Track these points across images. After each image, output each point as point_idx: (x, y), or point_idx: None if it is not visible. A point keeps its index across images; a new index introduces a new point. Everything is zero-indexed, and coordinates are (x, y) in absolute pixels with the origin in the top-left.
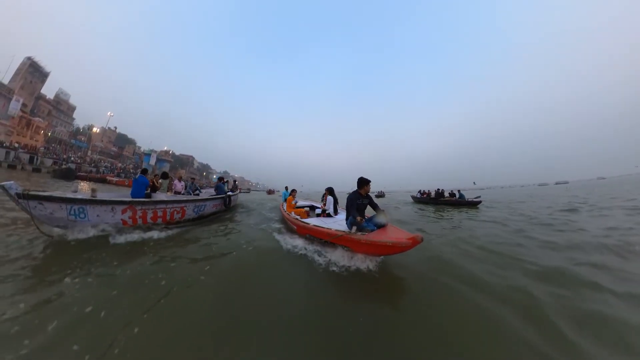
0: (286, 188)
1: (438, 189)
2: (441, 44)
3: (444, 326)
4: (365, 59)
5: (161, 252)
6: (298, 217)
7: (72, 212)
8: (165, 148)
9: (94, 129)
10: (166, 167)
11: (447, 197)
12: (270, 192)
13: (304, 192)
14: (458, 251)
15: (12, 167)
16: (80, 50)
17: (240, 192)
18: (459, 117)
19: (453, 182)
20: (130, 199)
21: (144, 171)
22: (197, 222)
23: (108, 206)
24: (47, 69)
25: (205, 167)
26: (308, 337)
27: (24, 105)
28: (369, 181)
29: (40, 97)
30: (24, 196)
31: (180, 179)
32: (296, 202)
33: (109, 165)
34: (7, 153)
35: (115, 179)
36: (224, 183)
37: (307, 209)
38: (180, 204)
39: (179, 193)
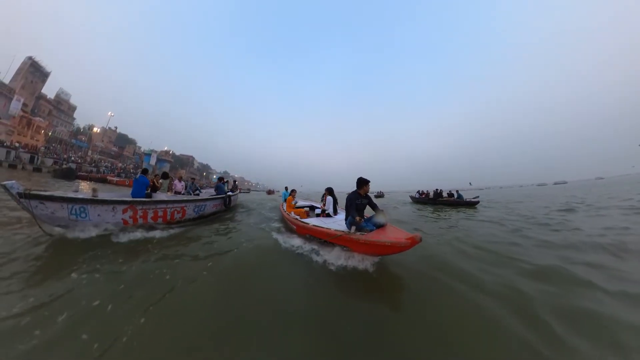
0: (286, 188)
1: (436, 189)
2: (441, 44)
3: (441, 324)
4: (365, 59)
5: (164, 250)
6: (298, 217)
7: (74, 211)
8: (166, 148)
9: (95, 129)
10: (166, 167)
11: (445, 197)
12: (270, 192)
13: (303, 192)
14: (454, 250)
15: (12, 166)
16: (81, 50)
17: (240, 192)
18: (459, 117)
19: (453, 182)
20: (131, 199)
21: (145, 171)
22: (197, 222)
23: (109, 206)
24: (48, 68)
25: (205, 167)
26: (308, 337)
27: (24, 105)
28: (368, 181)
29: (41, 97)
30: (25, 195)
31: (180, 179)
32: (296, 202)
33: (110, 165)
34: (8, 152)
35: (115, 179)
36: (224, 183)
37: (307, 209)
38: (180, 203)
39: (179, 193)
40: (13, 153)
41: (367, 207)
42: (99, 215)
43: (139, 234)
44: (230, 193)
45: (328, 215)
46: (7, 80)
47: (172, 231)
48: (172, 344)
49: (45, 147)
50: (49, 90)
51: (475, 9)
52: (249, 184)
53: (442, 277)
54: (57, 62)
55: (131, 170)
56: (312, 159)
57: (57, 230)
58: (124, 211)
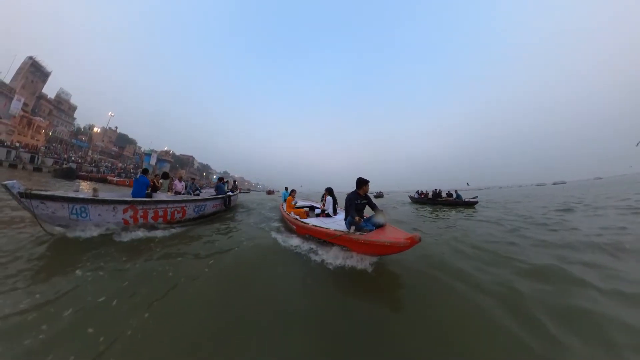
0: (286, 188)
1: (435, 190)
2: (441, 44)
3: (440, 323)
4: (365, 59)
5: (167, 248)
6: (297, 217)
7: (74, 211)
8: (166, 148)
9: (95, 129)
10: (166, 167)
11: (444, 197)
12: (269, 192)
13: (303, 192)
14: (452, 250)
15: (13, 166)
16: (81, 50)
17: (240, 192)
18: (459, 116)
19: (453, 182)
20: (131, 199)
21: (145, 171)
22: (198, 222)
23: (110, 206)
24: (49, 68)
25: (205, 168)
26: (308, 337)
27: (25, 104)
28: (368, 181)
29: (42, 97)
30: (26, 195)
31: (180, 179)
32: (296, 203)
33: (110, 165)
34: (9, 152)
35: (116, 178)
36: (224, 183)
37: (307, 209)
38: (180, 203)
39: (180, 193)
40: (13, 153)
41: (367, 207)
42: (99, 215)
43: (140, 233)
44: (230, 193)
45: (328, 216)
46: (7, 80)
47: (173, 230)
48: (176, 337)
49: (46, 147)
50: (50, 90)
51: (475, 9)
52: (249, 184)
53: (440, 277)
54: (57, 62)
55: (131, 170)
56: (312, 159)
57: (58, 229)
58: (125, 211)
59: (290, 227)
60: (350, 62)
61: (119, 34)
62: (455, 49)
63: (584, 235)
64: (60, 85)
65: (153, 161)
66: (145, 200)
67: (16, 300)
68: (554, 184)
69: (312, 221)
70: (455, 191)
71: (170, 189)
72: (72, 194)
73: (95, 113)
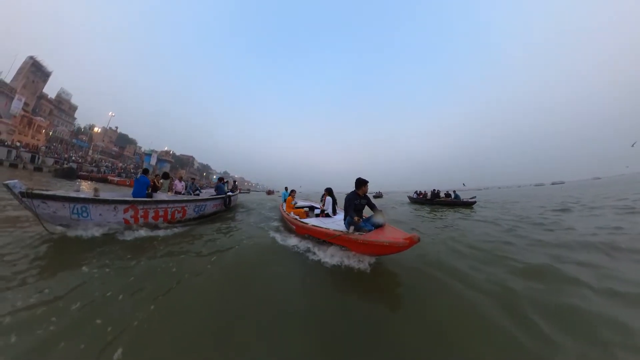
0: (286, 189)
1: (434, 190)
2: (441, 44)
3: (437, 322)
4: (365, 59)
5: (169, 247)
6: (297, 217)
7: (75, 211)
8: (166, 148)
9: (95, 129)
10: (167, 167)
11: (442, 197)
12: (269, 192)
13: (303, 193)
14: (449, 249)
15: (13, 166)
16: (81, 50)
17: (240, 192)
18: (459, 117)
19: (452, 182)
20: (132, 199)
21: (145, 171)
22: (198, 221)
23: (110, 205)
24: (49, 68)
25: (205, 168)
26: (308, 336)
27: (25, 104)
28: (367, 182)
29: (42, 97)
30: (28, 195)
31: (180, 179)
32: (295, 203)
33: (110, 165)
34: (9, 152)
35: (116, 178)
36: (224, 183)
37: (307, 209)
38: (181, 203)
39: (180, 193)
40: (14, 152)
41: (366, 207)
42: (100, 214)
43: (143, 233)
44: (230, 193)
45: (327, 216)
46: (8, 80)
47: (175, 230)
48: (180, 329)
49: (46, 147)
50: (50, 90)
51: (475, 9)
52: (249, 184)
53: (437, 276)
54: (57, 62)
55: (132, 170)
56: (311, 159)
57: (59, 229)
58: (125, 211)
59: (290, 227)
60: (350, 62)
61: (119, 34)
62: (455, 48)
63: (580, 235)
64: (61, 85)
65: (153, 161)
66: (145, 200)
67: (26, 295)
68: (553, 184)
69: (311, 221)
70: (454, 191)
71: (170, 189)
72: (73, 194)
73: (95, 113)
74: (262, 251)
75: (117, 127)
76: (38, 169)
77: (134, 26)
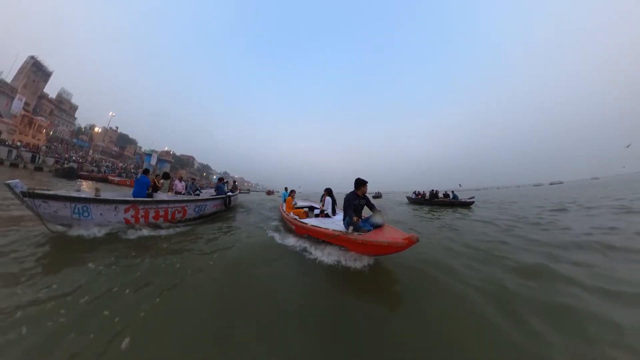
0: (285, 189)
1: (432, 190)
2: (441, 44)
3: (433, 320)
4: (365, 59)
5: (172, 245)
6: (297, 217)
7: (76, 210)
8: (166, 148)
9: (96, 129)
10: (167, 168)
11: (441, 197)
12: (269, 192)
13: (302, 193)
14: (446, 249)
15: (14, 165)
16: (81, 50)
17: (240, 192)
18: (459, 117)
19: (450, 182)
20: (132, 199)
21: (146, 171)
22: (199, 221)
23: (111, 205)
24: (50, 68)
25: (205, 168)
26: (308, 336)
27: (26, 104)
28: (366, 182)
29: (43, 97)
30: (29, 195)
31: (181, 179)
32: (295, 203)
33: (110, 165)
34: (10, 151)
35: (117, 178)
36: (224, 183)
37: (306, 209)
38: (181, 203)
39: (180, 193)
40: (15, 152)
41: (365, 207)
42: (101, 214)
43: (146, 232)
44: (230, 193)
45: (327, 216)
46: (9, 80)
47: (177, 229)
48: (184, 320)
49: (47, 147)
50: (51, 89)
51: (475, 9)
52: (249, 185)
53: (436, 276)
54: (58, 62)
55: (132, 170)
56: (311, 159)
57: (59, 228)
58: (126, 210)
59: (290, 227)
60: (350, 62)
61: (119, 34)
62: (456, 49)
63: (575, 235)
64: (62, 85)
65: (153, 161)
66: (146, 200)
67: (35, 290)
68: (551, 184)
69: (311, 221)
70: (452, 192)
71: (170, 189)
72: (74, 194)
73: (96, 113)
74: (261, 250)
75: (117, 127)
76: (39, 169)
77: (134, 26)
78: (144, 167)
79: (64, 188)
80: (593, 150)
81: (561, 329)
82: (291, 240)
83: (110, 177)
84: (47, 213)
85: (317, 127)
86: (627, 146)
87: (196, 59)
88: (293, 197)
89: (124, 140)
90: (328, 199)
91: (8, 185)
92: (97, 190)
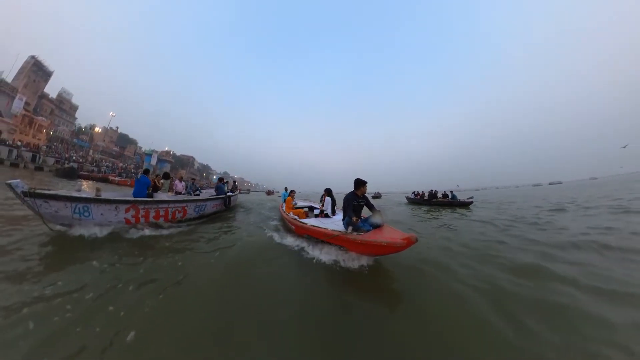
0: (285, 189)
1: (431, 190)
2: (441, 44)
3: (433, 320)
4: (365, 59)
5: (175, 244)
6: (296, 217)
7: (77, 210)
8: (166, 148)
9: (96, 129)
10: (167, 168)
11: (440, 197)
12: (269, 192)
13: (302, 193)
14: (443, 248)
15: (14, 165)
16: (81, 50)
17: (239, 192)
18: (459, 117)
19: (452, 183)
20: (133, 199)
21: (146, 171)
22: (200, 221)
23: (112, 205)
24: (51, 68)
25: (205, 168)
26: (308, 336)
27: (27, 103)
28: (366, 182)
29: (44, 96)
30: (30, 194)
31: (181, 180)
32: (295, 203)
33: (111, 165)
34: (10, 151)
35: (117, 178)
36: (223, 184)
37: (306, 209)
38: (181, 203)
39: (180, 193)
40: (15, 152)
41: (365, 207)
42: (101, 214)
43: (147, 232)
44: (230, 193)
45: (326, 216)
46: (9, 79)
47: (178, 229)
48: (186, 316)
49: (47, 146)
50: (52, 89)
51: (475, 10)
52: (249, 185)
53: (431, 274)
54: (58, 62)
55: (132, 170)
56: (311, 159)
57: (60, 228)
58: (127, 210)
59: (289, 227)
60: (350, 63)
61: (119, 34)
62: (456, 49)
63: (571, 235)
64: (62, 85)
65: (154, 161)
66: (146, 200)
67: (41, 287)
68: (550, 184)
69: (310, 221)
70: (451, 192)
71: (171, 189)
72: (75, 194)
73: (96, 113)
74: (261, 249)
75: (117, 127)
76: (39, 169)
77: (134, 26)
78: (144, 167)
79: (64, 188)
80: (592, 150)
81: (556, 328)
82: (291, 240)
83: (110, 177)
84: (48, 213)
85: (317, 127)
86: (624, 147)
87: (196, 59)
88: (293, 197)
89: (124, 140)
90: (328, 199)
91: (9, 185)
92: (97, 190)
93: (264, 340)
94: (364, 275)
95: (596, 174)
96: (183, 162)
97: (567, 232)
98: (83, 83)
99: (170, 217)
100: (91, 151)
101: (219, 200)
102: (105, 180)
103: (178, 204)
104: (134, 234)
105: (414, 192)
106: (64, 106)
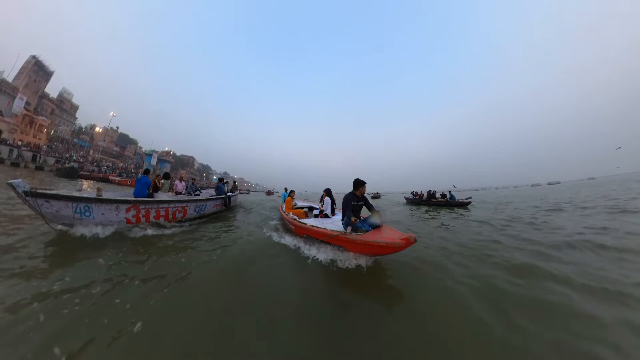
0: (285, 189)
1: (430, 191)
2: (440, 45)
3: (432, 320)
4: (365, 59)
5: (177, 242)
6: (296, 217)
7: (78, 210)
8: (167, 149)
9: (97, 129)
10: (167, 168)
11: (438, 198)
12: (269, 193)
13: (302, 194)
14: (440, 248)
15: (15, 164)
16: (82, 49)
17: (239, 192)
18: (459, 117)
19: (451, 183)
20: (134, 199)
21: (147, 171)
22: (200, 221)
23: (112, 205)
24: (51, 68)
25: (205, 168)
26: (307, 336)
27: (27, 103)
28: (365, 182)
29: (44, 96)
30: (32, 194)
31: (181, 180)
32: (295, 203)
33: (111, 164)
34: (11, 151)
35: (117, 178)
36: (223, 184)
37: (306, 209)
38: (182, 203)
39: (180, 193)
40: (16, 151)
41: (364, 208)
42: (102, 214)
43: (150, 231)
44: (230, 194)
45: (326, 216)
46: (10, 79)
47: (180, 228)
48: (191, 306)
49: (48, 146)
50: (52, 89)
51: (475, 10)
52: (249, 185)
53: (431, 274)
54: (59, 62)
55: (132, 170)
56: (311, 160)
57: (61, 227)
58: (127, 210)
59: (289, 227)
60: (350, 63)
61: (120, 33)
62: (455, 49)
63: (567, 235)
64: (63, 85)
65: (154, 161)
66: (147, 200)
67: (49, 282)
68: (549, 184)
69: (310, 221)
70: (449, 192)
71: (171, 189)
72: (76, 193)
73: (96, 112)
74: (261, 248)
75: (118, 127)
76: (39, 168)
77: (135, 26)
78: (145, 167)
79: (65, 188)
80: (591, 150)
81: (548, 326)
82: (290, 240)
83: (111, 177)
84: (49, 212)
85: (317, 127)
86: (617, 149)
87: (196, 59)
88: (292, 198)
89: (124, 140)
90: (327, 199)
91: (11, 185)
92: (99, 190)
93: (264, 339)
94: (362, 275)
95: (595, 174)
96: (183, 162)
97: (562, 231)
98: (84, 82)
99: (170, 217)
100: (91, 151)
101: (219, 200)
102: (105, 180)
103: (178, 204)
104: (137, 233)
105: (412, 193)
106: (64, 106)
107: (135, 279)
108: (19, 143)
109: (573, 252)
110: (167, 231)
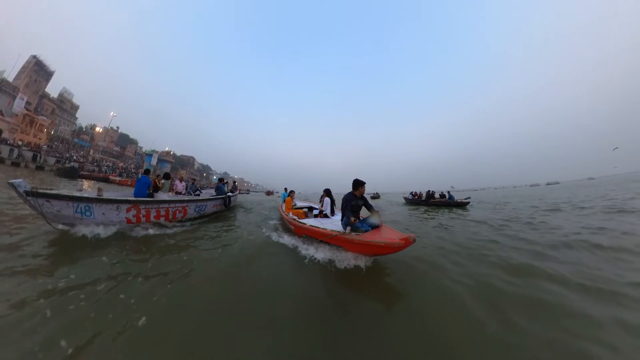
0: (285, 189)
1: (429, 191)
2: (441, 45)
3: (430, 320)
4: (364, 60)
5: (179, 242)
6: (296, 217)
7: (79, 210)
8: (167, 149)
9: (97, 129)
10: (167, 168)
11: (437, 198)
12: (268, 193)
13: (302, 194)
14: (438, 247)
15: (15, 164)
16: (83, 49)
17: (239, 193)
18: (458, 118)
19: (450, 183)
20: (134, 199)
21: (147, 171)
22: (201, 220)
23: (113, 205)
24: (52, 68)
25: (205, 168)
26: (307, 335)
27: (28, 103)
28: (364, 183)
29: (45, 96)
30: (33, 194)
31: (181, 180)
32: (295, 204)
33: (111, 164)
34: (11, 150)
35: (118, 178)
36: (223, 184)
37: (306, 209)
38: (182, 203)
39: (180, 193)
40: (16, 151)
41: (363, 208)
42: (103, 214)
43: (152, 231)
44: (230, 194)
45: (325, 216)
46: (11, 78)
47: (182, 228)
48: (194, 301)
49: (48, 146)
50: (53, 89)
51: (475, 10)
52: (249, 185)
53: (429, 274)
54: (59, 62)
55: (133, 170)
56: (311, 160)
57: (62, 227)
58: (128, 210)
59: (289, 227)
60: (350, 64)
61: (121, 33)
62: (455, 50)
63: (564, 234)
64: (63, 85)
65: (154, 161)
66: (147, 200)
67: (55, 280)
68: (548, 184)
69: (309, 221)
70: (448, 192)
71: (171, 189)
72: (77, 193)
73: (97, 113)
74: (261, 248)
75: (118, 127)
76: (40, 168)
77: (136, 26)
78: (145, 167)
79: (66, 188)
80: (590, 150)
81: (543, 325)
82: (290, 240)
83: (111, 177)
84: (50, 212)
85: (317, 128)
86: (614, 149)
87: (197, 59)
88: (292, 198)
89: (125, 140)
90: (327, 199)
91: (12, 185)
92: (99, 190)
93: (264, 338)
94: (361, 274)
95: (593, 174)
96: (183, 163)
97: (560, 231)
98: (84, 82)
99: (171, 217)
100: (92, 151)
101: (219, 200)
102: (106, 180)
103: (178, 204)
104: (139, 232)
105: (411, 193)
106: (65, 106)
107: (139, 276)
108: (20, 143)
109: (569, 251)
110: (169, 230)
